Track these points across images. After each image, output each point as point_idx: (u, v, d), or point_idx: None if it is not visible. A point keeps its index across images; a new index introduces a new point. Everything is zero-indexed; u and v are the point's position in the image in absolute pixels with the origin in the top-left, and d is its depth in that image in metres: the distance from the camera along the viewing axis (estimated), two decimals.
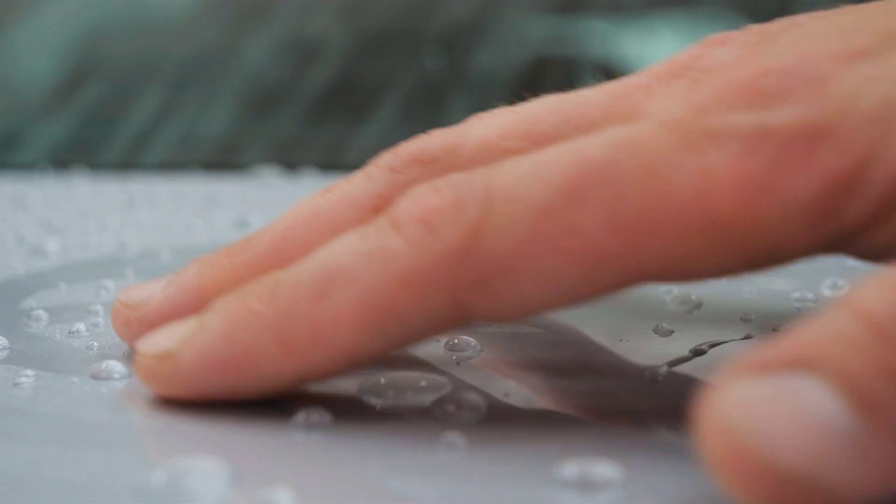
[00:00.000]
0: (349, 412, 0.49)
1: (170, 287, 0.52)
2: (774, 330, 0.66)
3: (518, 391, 0.55)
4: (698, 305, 0.72)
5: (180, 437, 0.48)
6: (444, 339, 0.62)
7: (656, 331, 0.65)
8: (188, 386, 0.45)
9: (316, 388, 0.54)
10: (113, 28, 1.95)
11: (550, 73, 1.70)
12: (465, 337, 0.61)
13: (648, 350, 0.62)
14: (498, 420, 0.50)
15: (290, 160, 1.48)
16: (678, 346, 0.63)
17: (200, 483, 0.38)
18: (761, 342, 0.35)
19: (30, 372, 0.55)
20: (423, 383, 0.52)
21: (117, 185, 1.44)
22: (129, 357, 0.59)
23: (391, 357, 0.60)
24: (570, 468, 0.41)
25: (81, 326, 0.64)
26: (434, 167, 0.49)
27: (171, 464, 0.39)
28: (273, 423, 0.47)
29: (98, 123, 1.71)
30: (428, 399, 0.51)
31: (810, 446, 0.30)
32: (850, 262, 0.88)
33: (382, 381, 0.52)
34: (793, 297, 0.74)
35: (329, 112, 1.66)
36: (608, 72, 1.71)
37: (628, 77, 0.54)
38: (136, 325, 0.53)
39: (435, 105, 1.63)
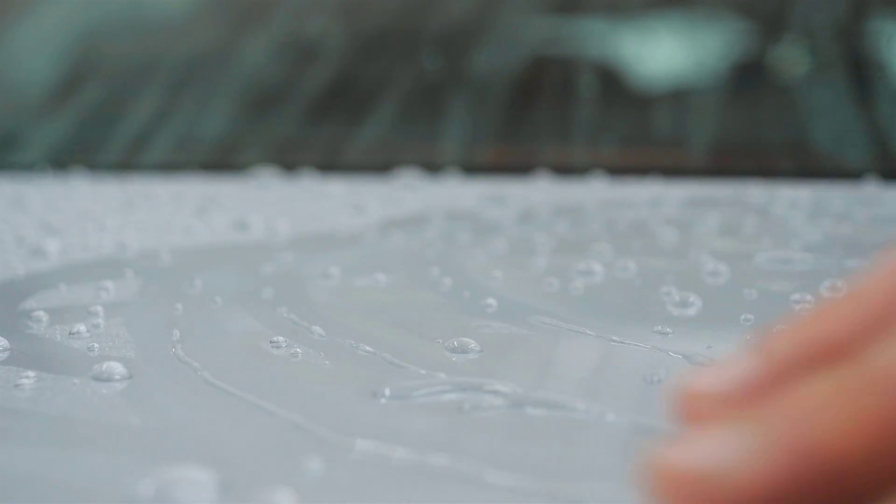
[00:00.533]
0: (342, 416, 0.49)
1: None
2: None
3: (515, 393, 0.55)
4: (698, 307, 0.72)
5: (180, 440, 0.48)
6: (443, 341, 0.62)
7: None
8: None
9: (312, 391, 0.54)
10: (111, 29, 1.95)
11: (548, 74, 1.70)
12: (464, 338, 0.61)
13: (647, 351, 0.63)
14: (494, 423, 0.50)
15: (288, 161, 1.48)
16: (677, 346, 0.63)
17: (189, 493, 0.38)
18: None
19: (30, 373, 0.55)
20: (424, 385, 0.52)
21: (116, 186, 1.44)
22: (130, 358, 0.59)
23: (392, 358, 0.60)
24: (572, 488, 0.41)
25: (82, 327, 0.64)
26: None
27: (161, 473, 0.39)
28: (272, 426, 0.47)
29: (96, 124, 1.71)
30: (444, 399, 0.51)
31: None
32: (849, 264, 0.88)
33: (388, 391, 0.52)
34: (792, 298, 0.74)
35: (327, 113, 1.66)
36: (606, 72, 1.71)
37: None
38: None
39: (433, 106, 1.63)
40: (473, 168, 1.43)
